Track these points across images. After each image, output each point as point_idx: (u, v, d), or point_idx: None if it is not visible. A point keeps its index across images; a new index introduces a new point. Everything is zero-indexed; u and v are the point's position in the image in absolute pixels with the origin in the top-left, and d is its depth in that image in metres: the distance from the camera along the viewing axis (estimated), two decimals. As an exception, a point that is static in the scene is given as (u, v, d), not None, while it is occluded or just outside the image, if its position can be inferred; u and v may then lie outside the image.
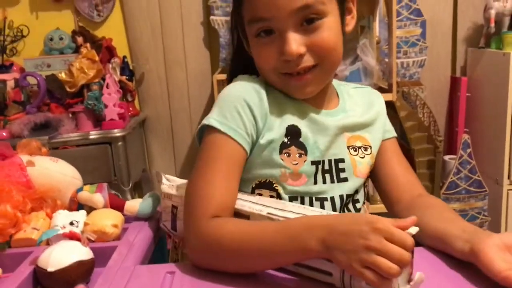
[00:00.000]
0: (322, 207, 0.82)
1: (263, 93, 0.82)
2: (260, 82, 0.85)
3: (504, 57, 1.84)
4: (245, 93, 0.81)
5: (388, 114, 0.97)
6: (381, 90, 1.87)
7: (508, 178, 1.90)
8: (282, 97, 0.85)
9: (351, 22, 0.86)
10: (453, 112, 2.21)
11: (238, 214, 0.79)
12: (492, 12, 1.95)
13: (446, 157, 2.05)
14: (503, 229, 1.94)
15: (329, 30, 0.78)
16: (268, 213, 0.75)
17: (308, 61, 0.78)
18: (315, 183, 0.82)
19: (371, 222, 0.59)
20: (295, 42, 0.76)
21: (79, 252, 0.75)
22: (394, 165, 0.91)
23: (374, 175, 0.93)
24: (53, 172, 0.99)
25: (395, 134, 0.95)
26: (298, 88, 0.82)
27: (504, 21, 1.97)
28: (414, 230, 0.61)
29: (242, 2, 0.80)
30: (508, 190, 1.91)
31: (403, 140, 2.02)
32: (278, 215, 0.73)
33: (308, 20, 0.76)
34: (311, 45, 0.77)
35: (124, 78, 2.06)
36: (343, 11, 0.83)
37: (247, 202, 0.79)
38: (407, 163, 0.93)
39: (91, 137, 1.84)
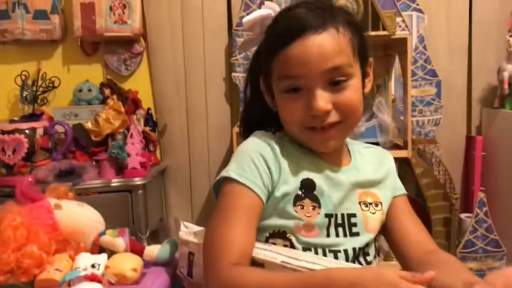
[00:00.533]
0: (336, 258, 0.84)
1: (277, 148, 0.87)
2: (275, 138, 0.90)
3: (518, 117, 1.88)
4: (260, 147, 0.87)
5: (404, 170, 1.01)
6: (397, 147, 1.91)
7: (526, 238, 1.88)
8: (297, 153, 0.89)
9: (368, 84, 0.92)
10: (469, 171, 2.22)
11: (252, 261, 0.81)
12: (505, 75, 2.01)
13: (462, 215, 2.05)
14: (522, 291, 1.90)
15: (354, 91, 0.84)
16: (282, 261, 0.78)
17: (333, 117, 0.83)
18: (328, 235, 0.85)
19: (394, 284, 0.62)
20: (323, 99, 0.81)
21: (100, 294, 0.78)
22: (405, 221, 0.93)
23: (386, 231, 0.95)
24: (79, 215, 1.03)
25: (405, 192, 0.97)
26: (321, 142, 0.86)
27: (517, 83, 2.02)
28: None
29: (274, 57, 0.84)
30: (526, 250, 1.89)
31: (418, 197, 2.03)
32: (292, 264, 0.76)
33: (336, 82, 0.82)
34: (338, 103, 0.82)
35: (147, 129, 2.14)
36: (364, 74, 0.89)
37: (261, 250, 0.82)
38: (418, 220, 0.95)
39: (112, 184, 1.89)
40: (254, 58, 0.96)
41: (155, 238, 2.19)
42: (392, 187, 0.95)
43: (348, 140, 0.99)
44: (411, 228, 0.92)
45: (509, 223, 1.96)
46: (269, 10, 0.92)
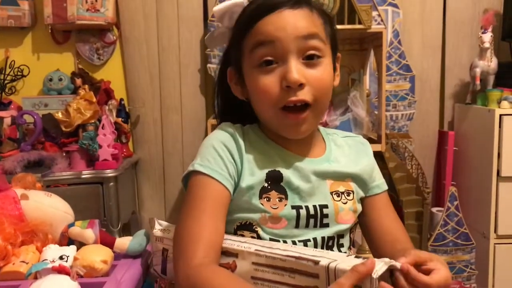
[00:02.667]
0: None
1: (241, 140, 0.86)
2: (241, 129, 0.89)
3: (489, 113, 1.91)
4: (223, 138, 0.86)
5: (377, 164, 0.99)
6: (371, 140, 1.92)
7: (495, 232, 1.92)
8: (264, 144, 0.89)
9: (337, 79, 0.92)
10: (441, 165, 2.26)
11: (227, 252, 0.80)
12: (477, 71, 2.04)
13: (434, 209, 2.08)
14: (490, 283, 1.94)
15: (326, 71, 0.84)
16: (256, 249, 0.77)
17: (306, 94, 0.82)
18: (297, 226, 0.84)
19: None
20: (298, 70, 0.81)
21: (68, 286, 0.76)
22: (385, 221, 0.93)
23: (365, 229, 0.95)
24: (46, 206, 1.00)
25: (385, 188, 0.96)
26: (294, 126, 0.85)
27: (489, 79, 2.06)
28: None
29: (246, 33, 0.84)
30: (495, 244, 1.93)
31: (391, 191, 2.05)
32: (265, 252, 0.75)
33: (309, 56, 0.82)
34: (311, 79, 0.82)
35: (120, 120, 2.10)
36: (334, 64, 0.90)
37: (235, 242, 0.81)
38: (397, 217, 0.95)
39: (83, 176, 1.85)
40: (224, 56, 0.96)
41: (127, 231, 2.16)
42: (368, 184, 0.94)
43: (325, 130, 0.98)
44: (390, 227, 0.92)
45: (479, 217, 2.00)
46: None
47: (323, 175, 0.88)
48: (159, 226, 0.94)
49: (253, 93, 0.86)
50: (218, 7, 0.93)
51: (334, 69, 0.90)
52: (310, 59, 0.82)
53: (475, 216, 2.03)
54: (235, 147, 0.86)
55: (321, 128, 0.98)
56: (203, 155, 0.85)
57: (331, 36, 0.87)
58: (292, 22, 0.81)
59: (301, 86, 0.81)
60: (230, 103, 0.95)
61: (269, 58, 0.82)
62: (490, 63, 2.03)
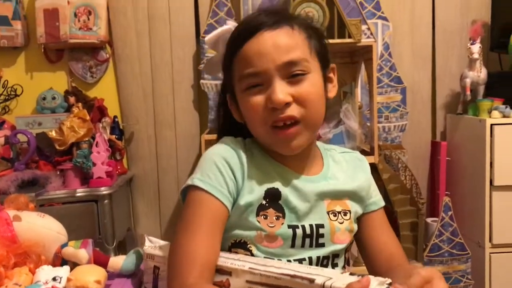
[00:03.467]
0: None
1: (243, 155, 0.86)
2: (243, 144, 0.89)
3: (480, 123, 1.92)
4: (226, 153, 0.86)
5: (372, 176, 1.00)
6: (364, 152, 1.93)
7: (490, 241, 1.92)
8: (264, 161, 0.88)
9: (333, 89, 0.92)
10: (434, 175, 2.27)
11: (220, 270, 0.80)
12: (468, 81, 2.06)
13: (429, 220, 2.08)
14: (487, 292, 1.95)
15: (312, 85, 0.84)
16: (250, 267, 0.77)
17: (294, 110, 0.82)
18: (293, 246, 0.84)
19: None
20: (282, 91, 0.81)
21: (61, 307, 0.75)
22: (382, 238, 0.93)
23: (361, 246, 0.96)
24: (39, 227, 1.00)
25: (382, 204, 0.97)
26: (285, 142, 0.85)
27: (479, 89, 2.08)
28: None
29: (234, 59, 0.86)
30: (491, 253, 1.93)
31: (386, 202, 2.05)
32: (259, 269, 0.75)
33: (294, 75, 0.83)
34: (296, 95, 0.82)
35: (113, 137, 2.10)
36: (325, 77, 0.90)
37: (229, 259, 0.81)
38: (393, 232, 0.96)
39: (77, 194, 1.84)
40: (222, 81, 0.97)
41: (122, 248, 2.15)
42: (365, 201, 0.94)
43: (323, 145, 0.98)
44: (386, 244, 0.93)
45: (473, 226, 2.00)
46: (229, 25, 0.92)
47: (321, 195, 0.88)
48: (150, 243, 0.94)
49: (245, 115, 0.87)
50: (209, 36, 0.95)
51: (326, 80, 0.90)
52: (294, 77, 0.83)
53: (470, 226, 2.03)
54: (238, 163, 0.85)
55: (319, 143, 0.98)
56: (203, 169, 0.84)
57: (318, 49, 0.87)
58: (271, 46, 0.82)
59: (287, 104, 0.82)
60: (231, 126, 0.95)
61: (255, 83, 0.84)
62: (479, 73, 2.05)
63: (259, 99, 0.83)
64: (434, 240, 1.93)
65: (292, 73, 0.82)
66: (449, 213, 1.93)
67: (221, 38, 0.94)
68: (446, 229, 1.94)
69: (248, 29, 0.84)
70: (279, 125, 0.83)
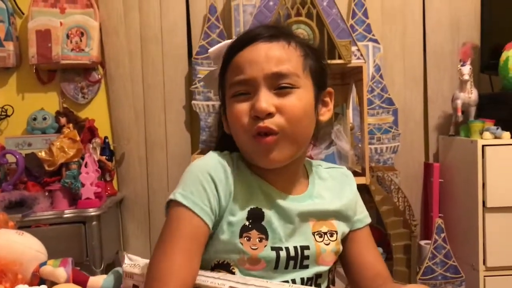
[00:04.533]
0: None
1: (229, 171, 0.83)
2: (230, 158, 0.86)
3: (472, 144, 1.92)
4: (211, 168, 0.83)
5: (363, 198, 0.98)
6: (355, 173, 1.92)
7: (484, 263, 1.89)
8: (249, 178, 0.86)
9: (326, 113, 0.90)
10: (427, 197, 2.25)
11: (200, 289, 0.78)
12: (459, 103, 2.06)
13: (422, 242, 2.05)
14: (482, 317, 1.90)
15: (299, 99, 0.82)
16: (230, 286, 0.75)
17: (275, 121, 0.81)
18: (276, 268, 0.82)
19: None
20: (266, 101, 0.80)
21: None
22: (366, 256, 0.92)
23: (345, 264, 0.94)
24: (17, 244, 0.98)
25: (367, 222, 0.95)
26: (263, 152, 0.82)
27: (470, 110, 2.08)
28: None
29: (228, 67, 0.86)
30: (485, 276, 1.90)
31: (379, 224, 2.04)
32: (240, 288, 0.74)
33: (281, 87, 0.82)
34: (281, 107, 0.81)
35: (104, 158, 2.09)
36: (318, 98, 0.88)
37: (209, 278, 0.79)
38: (377, 250, 0.94)
39: (65, 215, 1.82)
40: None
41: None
42: (351, 219, 0.93)
43: (311, 162, 0.96)
44: (371, 262, 0.92)
45: (467, 249, 1.98)
46: (232, 40, 0.93)
47: (305, 215, 0.86)
48: (129, 261, 0.91)
49: (230, 122, 0.86)
50: (212, 49, 0.96)
51: (319, 101, 0.88)
52: (281, 89, 0.82)
53: (464, 248, 2.00)
54: (223, 179, 0.82)
55: (306, 160, 0.96)
56: (186, 184, 0.81)
57: (313, 69, 0.86)
58: (263, 56, 0.82)
59: (270, 115, 0.80)
60: (226, 139, 0.92)
61: (243, 91, 0.83)
62: (470, 95, 2.05)
63: (244, 106, 0.82)
64: (427, 263, 1.90)
65: (279, 84, 0.81)
66: (442, 235, 1.91)
67: (222, 52, 0.94)
68: (439, 252, 1.91)
69: (244, 39, 0.85)
70: (260, 134, 0.82)
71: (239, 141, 0.86)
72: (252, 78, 0.82)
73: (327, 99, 0.91)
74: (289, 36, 0.86)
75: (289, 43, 0.84)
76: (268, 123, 0.80)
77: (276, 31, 0.86)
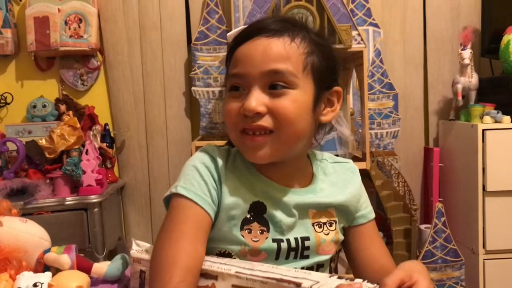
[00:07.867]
0: None
1: (224, 167, 0.84)
2: (226, 154, 0.87)
3: (472, 128, 1.92)
4: (208, 162, 0.84)
5: (364, 183, 0.97)
6: (356, 158, 1.92)
7: (484, 247, 1.91)
8: (247, 172, 0.86)
9: (329, 114, 0.87)
10: (427, 182, 2.26)
11: (206, 274, 0.79)
12: (459, 87, 2.06)
13: (422, 226, 2.07)
14: (481, 299, 1.93)
15: (292, 101, 0.80)
16: (236, 272, 0.76)
17: (266, 122, 0.80)
18: (277, 258, 0.82)
19: None
20: (257, 100, 0.79)
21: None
22: (372, 250, 0.92)
23: (350, 256, 0.94)
24: (21, 232, 0.98)
25: (372, 217, 0.95)
26: (250, 149, 0.82)
27: (471, 95, 2.08)
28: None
29: (230, 57, 0.86)
30: (484, 259, 1.91)
31: (379, 209, 2.05)
32: (246, 273, 0.74)
33: (273, 85, 0.80)
34: (272, 108, 0.79)
35: (104, 145, 2.09)
36: (320, 97, 0.84)
37: (215, 263, 0.80)
38: (383, 243, 0.95)
39: (67, 202, 1.82)
40: None
41: (113, 257, 2.12)
42: (352, 214, 0.92)
43: (316, 155, 0.95)
44: (376, 255, 0.91)
45: (467, 233, 1.99)
46: None
47: (305, 207, 0.86)
48: (137, 247, 0.92)
49: (223, 116, 0.87)
50: (230, 33, 0.95)
51: (320, 101, 0.85)
52: (275, 89, 0.80)
53: (464, 232, 2.02)
54: (216, 174, 0.83)
55: (312, 152, 0.95)
56: (186, 177, 0.83)
57: (317, 68, 0.83)
58: (260, 53, 0.80)
59: (259, 115, 0.79)
60: None
61: (238, 85, 0.83)
62: (471, 79, 2.05)
63: (236, 103, 0.82)
64: (427, 247, 1.92)
65: (273, 82, 0.80)
66: (442, 219, 1.92)
67: None
68: (439, 236, 1.92)
69: (248, 32, 0.84)
70: (248, 132, 0.81)
71: (230, 136, 0.87)
72: (247, 74, 0.81)
73: (334, 98, 0.87)
74: (296, 31, 0.82)
75: (293, 39, 0.81)
76: (260, 122, 0.80)
77: (282, 26, 0.82)
